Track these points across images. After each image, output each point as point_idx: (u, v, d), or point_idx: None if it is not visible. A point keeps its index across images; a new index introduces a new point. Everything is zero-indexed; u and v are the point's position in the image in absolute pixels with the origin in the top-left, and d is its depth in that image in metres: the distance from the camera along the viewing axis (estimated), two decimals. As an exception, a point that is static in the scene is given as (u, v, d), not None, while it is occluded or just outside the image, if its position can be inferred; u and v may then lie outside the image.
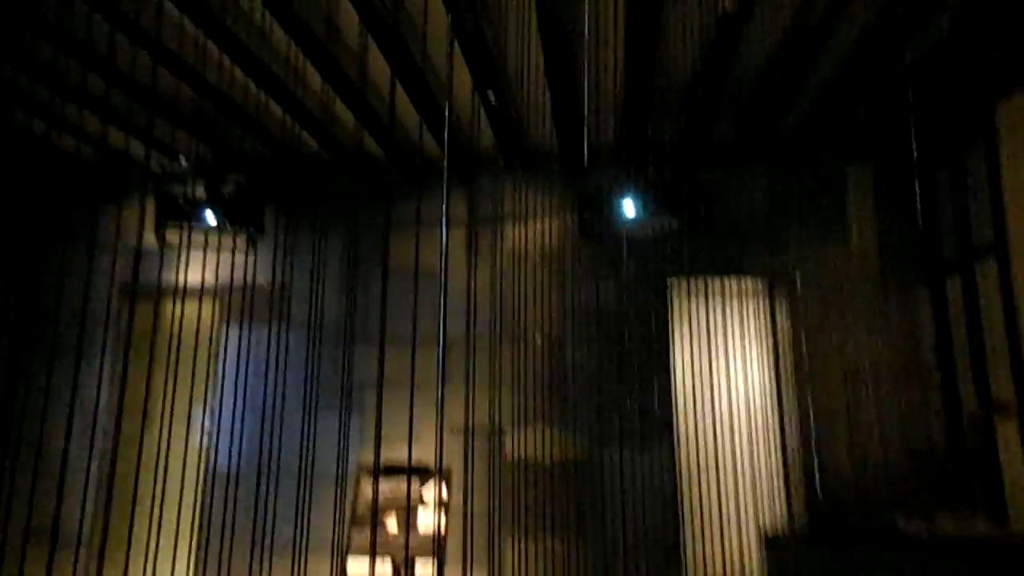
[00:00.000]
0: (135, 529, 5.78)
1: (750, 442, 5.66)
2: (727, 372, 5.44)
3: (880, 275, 5.39)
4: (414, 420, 5.42)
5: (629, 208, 4.66)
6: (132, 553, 5.72)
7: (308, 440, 5.51)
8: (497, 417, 5.41)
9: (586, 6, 3.65)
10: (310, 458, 5.51)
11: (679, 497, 5.26)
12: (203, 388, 5.87)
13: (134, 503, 5.86)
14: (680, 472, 5.30)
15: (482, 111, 4.78)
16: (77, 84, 4.32)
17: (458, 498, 5.22)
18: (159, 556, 5.71)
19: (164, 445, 5.93)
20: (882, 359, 5.23)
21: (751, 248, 5.45)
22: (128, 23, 3.59)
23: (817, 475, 5.15)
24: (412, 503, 5.00)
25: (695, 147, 5.22)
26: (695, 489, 5.34)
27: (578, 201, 5.16)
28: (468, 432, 5.36)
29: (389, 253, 5.66)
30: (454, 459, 5.34)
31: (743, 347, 5.79)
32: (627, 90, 4.37)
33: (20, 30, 3.78)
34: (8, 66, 4.17)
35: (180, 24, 3.76)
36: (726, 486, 5.37)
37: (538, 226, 5.63)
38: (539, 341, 5.50)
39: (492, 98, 4.42)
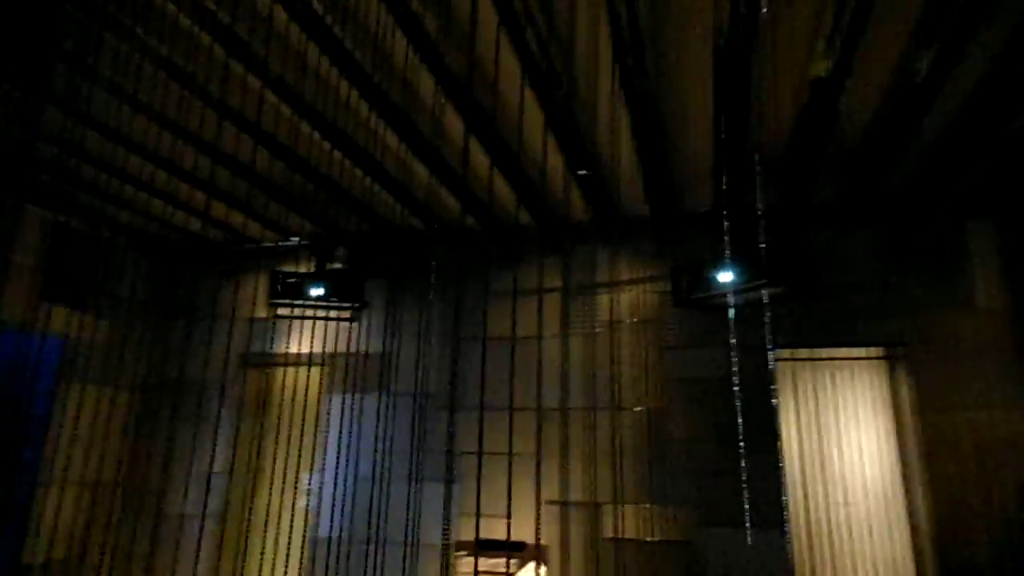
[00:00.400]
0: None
1: (872, 520, 5.20)
2: (841, 446, 5.07)
3: (1014, 338, 4.92)
4: (515, 493, 5.37)
5: (727, 276, 4.53)
6: (240, 615, 5.91)
7: (411, 510, 5.57)
8: (593, 492, 5.26)
9: (672, 78, 3.68)
10: (412, 528, 5.55)
11: (794, 582, 4.86)
12: (310, 453, 6.10)
13: (243, 565, 6.08)
14: (794, 553, 4.91)
15: (574, 184, 4.86)
16: (207, 175, 4.79)
17: None
18: (264, 621, 5.86)
19: (273, 507, 6.17)
20: (1021, 432, 4.72)
21: (862, 314, 5.13)
22: (250, 125, 3.98)
23: (947, 555, 4.64)
24: (509, 580, 4.90)
25: (796, 211, 5.04)
26: (812, 571, 4.93)
27: (673, 269, 5.07)
28: (564, 507, 5.24)
29: (487, 323, 5.74)
30: (551, 535, 5.21)
31: (858, 419, 5.40)
32: (719, 157, 4.32)
33: (157, 131, 4.25)
34: (144, 160, 4.67)
35: (295, 123, 4.10)
36: (851, 568, 4.92)
37: (633, 294, 5.57)
38: (636, 412, 5.36)
39: (584, 173, 4.49)
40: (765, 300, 4.75)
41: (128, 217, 5.84)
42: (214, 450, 6.18)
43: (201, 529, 5.97)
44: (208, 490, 6.08)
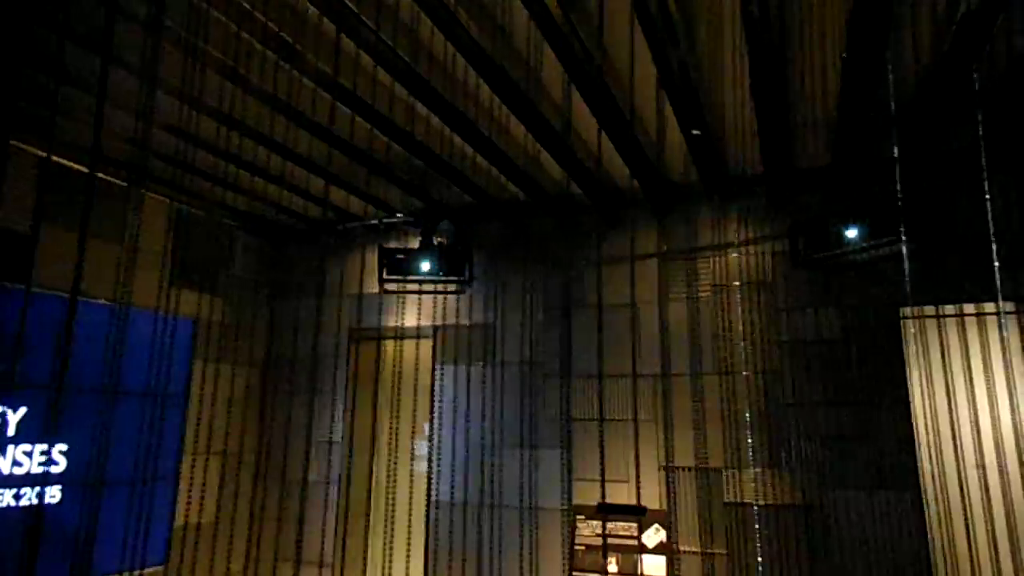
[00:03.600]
0: (370, 551, 6.33)
1: (1010, 482, 4.93)
2: (975, 407, 4.80)
3: None
4: (626, 458, 5.40)
5: (853, 232, 4.32)
6: (368, 571, 6.27)
7: (524, 475, 5.70)
8: (710, 457, 5.22)
9: (795, 27, 3.48)
10: (527, 492, 5.68)
11: (929, 545, 4.69)
12: (423, 422, 6.32)
13: (367, 527, 6.43)
14: (929, 518, 4.73)
15: (682, 142, 4.71)
16: (305, 151, 4.90)
17: (676, 541, 5.08)
18: (396, 574, 6.19)
19: (391, 474, 6.46)
20: None
21: (998, 269, 4.77)
22: (346, 93, 4.01)
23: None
24: (629, 545, 4.96)
25: (924, 161, 4.72)
26: (947, 535, 4.75)
27: (790, 228, 4.86)
28: (681, 472, 5.23)
29: (606, 289, 5.72)
30: (671, 500, 5.21)
31: (990, 377, 5.08)
32: (844, 105, 4.07)
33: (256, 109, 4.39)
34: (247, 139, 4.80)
35: (391, 89, 4.11)
36: (988, 532, 4.71)
37: (744, 256, 5.39)
38: (750, 376, 5.24)
39: (697, 133, 4.34)
40: (890, 256, 4.49)
41: (239, 200, 6.09)
42: (333, 420, 6.49)
43: (327, 495, 6.32)
44: (331, 457, 6.41)
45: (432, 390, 6.18)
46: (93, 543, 4.98)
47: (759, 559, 4.94)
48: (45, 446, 4.78)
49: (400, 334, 6.46)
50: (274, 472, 6.63)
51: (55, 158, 4.96)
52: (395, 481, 6.49)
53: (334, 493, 6.32)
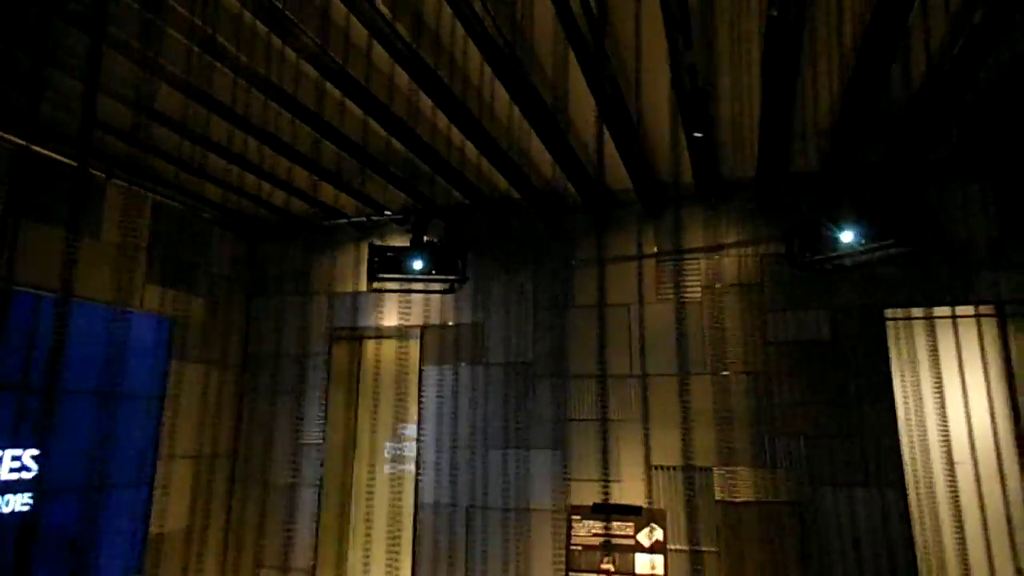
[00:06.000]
0: (350, 555, 6.19)
1: (984, 477, 5.15)
2: (962, 406, 4.99)
3: None
4: (619, 458, 5.42)
5: (848, 236, 4.42)
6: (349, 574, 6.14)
7: (512, 476, 5.65)
8: (701, 456, 5.28)
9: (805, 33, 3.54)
10: (515, 493, 5.64)
11: (911, 541, 4.84)
12: (406, 422, 6.22)
13: (347, 531, 6.29)
14: (913, 515, 4.89)
15: (676, 144, 4.75)
16: (289, 140, 4.74)
17: (670, 540, 5.12)
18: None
19: (372, 476, 6.33)
20: None
21: (977, 270, 4.97)
22: (336, 73, 3.82)
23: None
24: (626, 544, 4.98)
25: (912, 167, 4.87)
26: (931, 529, 4.92)
27: (786, 230, 4.96)
28: (672, 471, 5.28)
29: (596, 289, 5.71)
30: (660, 499, 5.25)
31: (969, 377, 5.30)
32: (844, 112, 4.17)
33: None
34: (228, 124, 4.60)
35: (392, 80, 4.00)
36: (968, 527, 4.90)
37: (734, 258, 5.48)
38: (740, 376, 5.32)
39: (699, 135, 4.38)
40: (880, 259, 4.63)
41: (220, 194, 5.87)
42: (312, 422, 6.32)
43: (305, 499, 6.15)
44: (308, 460, 6.25)
45: (418, 391, 6.09)
46: (65, 553, 4.75)
47: (751, 553, 5.03)
48: (19, 451, 4.51)
49: (383, 334, 6.34)
50: (250, 475, 6.43)
51: (31, 146, 4.68)
52: (377, 484, 6.38)
53: (313, 496, 6.16)
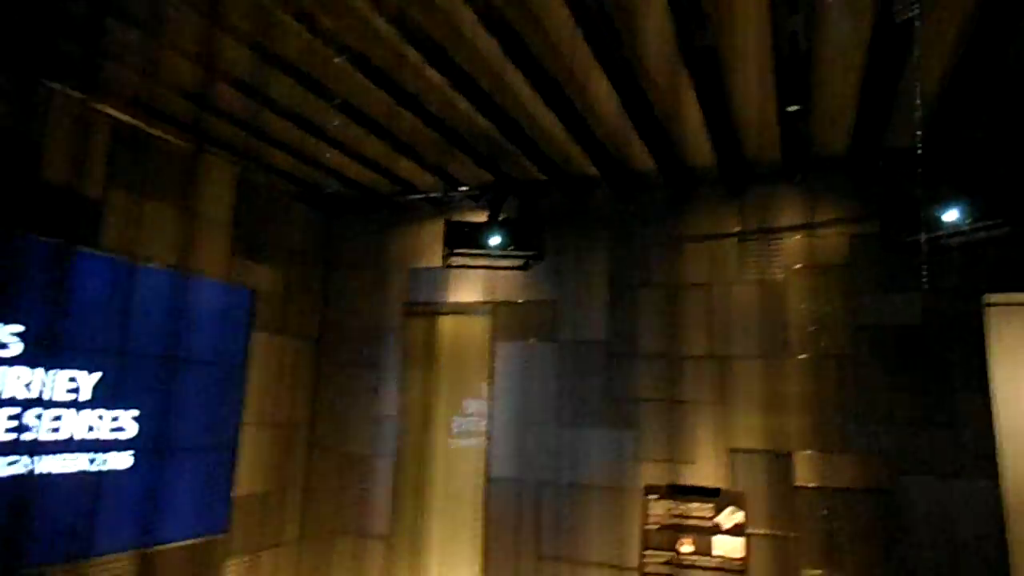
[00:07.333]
0: (424, 525, 6.33)
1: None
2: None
3: None
4: (693, 440, 5.35)
5: (950, 214, 4.22)
6: (425, 545, 6.28)
7: (585, 454, 5.65)
8: (781, 440, 5.16)
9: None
10: (586, 471, 5.64)
11: (1004, 533, 4.63)
12: (478, 398, 6.29)
13: (421, 501, 6.41)
14: (1007, 507, 4.67)
15: (766, 118, 4.59)
16: (367, 110, 4.73)
17: (749, 523, 5.03)
18: (451, 548, 6.20)
19: (445, 449, 6.43)
20: None
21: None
22: (425, 42, 3.80)
23: None
24: (704, 526, 4.92)
25: (1015, 142, 4.60)
26: (1024, 526, 4.69)
27: (881, 209, 4.75)
28: (752, 454, 5.18)
29: (674, 268, 5.62)
30: (740, 482, 5.16)
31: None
32: (954, 80, 3.94)
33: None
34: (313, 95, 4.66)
35: (477, 49, 3.95)
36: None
37: (822, 237, 5.29)
38: (825, 359, 5.16)
39: (795, 108, 4.23)
40: (983, 240, 4.39)
41: (299, 169, 5.98)
42: (386, 394, 6.44)
43: (380, 469, 6.29)
44: (383, 432, 6.38)
45: (490, 367, 6.12)
46: (160, 510, 4.98)
47: (834, 540, 4.91)
48: (118, 411, 4.74)
49: (457, 309, 6.38)
50: (328, 444, 6.60)
51: (123, 118, 4.85)
52: (449, 457, 6.47)
53: (388, 466, 6.29)
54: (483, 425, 6.11)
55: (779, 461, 5.15)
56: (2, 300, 4.12)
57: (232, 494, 5.69)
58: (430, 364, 6.68)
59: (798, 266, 5.33)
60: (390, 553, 6.12)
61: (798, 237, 5.36)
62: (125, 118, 4.85)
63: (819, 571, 4.91)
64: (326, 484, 6.49)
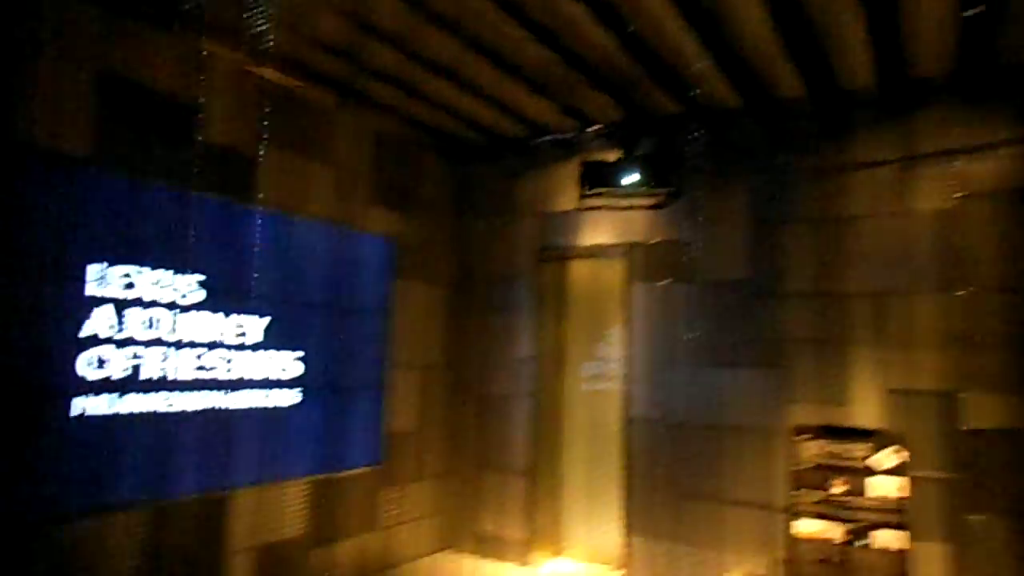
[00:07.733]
0: (564, 462, 6.51)
1: None
2: None
3: None
4: (846, 380, 5.12)
5: None
6: (565, 481, 6.49)
7: (723, 394, 5.56)
8: (943, 379, 4.82)
9: None
10: (725, 412, 5.55)
11: None
12: (612, 340, 6.30)
13: (560, 440, 6.59)
14: None
15: (935, 29, 4.14)
16: (495, 47, 4.67)
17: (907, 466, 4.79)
18: (591, 486, 6.37)
19: (582, 390, 6.54)
20: None
21: None
22: None
23: None
24: (858, 467, 4.74)
25: None
26: None
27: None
28: (911, 396, 4.89)
29: (820, 201, 5.30)
30: (898, 425, 4.89)
31: None
32: None
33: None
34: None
35: None
36: None
37: (996, 160, 4.77)
38: (993, 295, 4.72)
39: (975, 11, 3.79)
40: None
41: (433, 118, 6.09)
42: (522, 337, 6.58)
43: (520, 409, 6.49)
44: (520, 373, 6.55)
45: (627, 308, 6.08)
46: (328, 442, 5.40)
47: (998, 484, 4.58)
48: (285, 353, 5.16)
49: (590, 252, 6.36)
50: (468, 385, 6.87)
51: (274, 77, 5.10)
52: (585, 397, 6.57)
53: (526, 405, 6.47)
54: (619, 367, 6.13)
55: (942, 401, 4.82)
56: (185, 252, 4.53)
57: (384, 431, 6.08)
58: (564, 307, 6.74)
59: (965, 193, 4.85)
60: (532, 488, 6.34)
61: (966, 161, 4.87)
62: (275, 77, 5.10)
63: (982, 516, 4.61)
64: (467, 422, 6.79)
